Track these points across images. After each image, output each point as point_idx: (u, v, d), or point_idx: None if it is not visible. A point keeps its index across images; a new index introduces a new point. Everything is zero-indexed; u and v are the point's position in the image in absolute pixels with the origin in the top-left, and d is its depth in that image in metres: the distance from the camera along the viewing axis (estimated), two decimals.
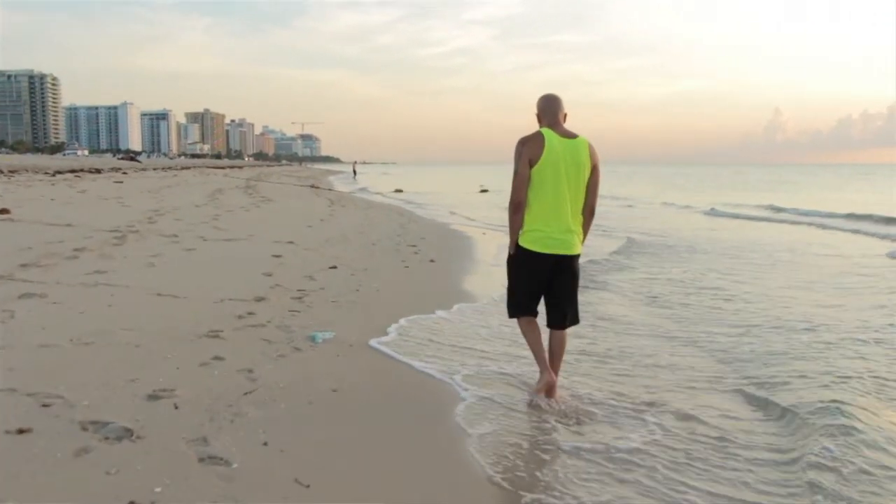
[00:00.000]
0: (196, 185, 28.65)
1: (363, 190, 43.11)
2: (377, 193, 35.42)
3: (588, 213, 4.55)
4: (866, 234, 17.65)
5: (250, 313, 6.26)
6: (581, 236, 4.56)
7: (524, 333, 4.68)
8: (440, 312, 6.98)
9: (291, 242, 11.23)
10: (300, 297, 7.13)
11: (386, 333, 5.97)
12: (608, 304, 7.93)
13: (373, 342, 5.64)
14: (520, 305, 4.66)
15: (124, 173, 36.80)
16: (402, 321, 6.46)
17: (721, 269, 10.90)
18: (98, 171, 36.98)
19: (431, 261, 10.53)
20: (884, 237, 16.61)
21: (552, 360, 4.60)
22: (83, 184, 23.30)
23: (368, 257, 10.45)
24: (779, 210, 26.14)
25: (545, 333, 4.69)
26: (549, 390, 4.47)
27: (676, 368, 5.45)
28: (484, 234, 15.77)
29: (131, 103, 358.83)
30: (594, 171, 4.49)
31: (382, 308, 6.99)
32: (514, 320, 4.77)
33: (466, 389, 4.68)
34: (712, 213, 25.42)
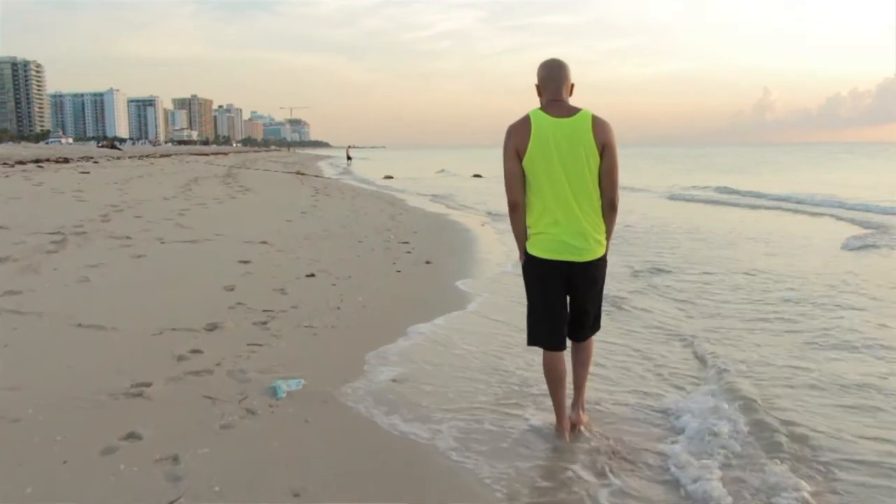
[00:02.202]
0: (172, 174, 26.92)
1: (345, 173, 41.75)
2: (365, 181, 33.78)
3: (608, 206, 3.65)
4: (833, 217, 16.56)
5: (195, 351, 4.79)
6: (602, 236, 3.67)
7: (545, 374, 3.80)
8: (439, 336, 5.54)
9: (265, 242, 9.73)
10: (265, 322, 5.66)
11: (372, 377, 4.53)
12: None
13: (352, 400, 4.17)
14: (538, 332, 3.78)
15: (95, 162, 34.81)
16: (394, 354, 5.05)
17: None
18: (66, 160, 34.96)
19: (427, 262, 9.05)
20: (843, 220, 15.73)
21: (576, 370, 3.92)
22: (42, 175, 21.53)
23: (353, 260, 8.96)
24: (732, 192, 25.31)
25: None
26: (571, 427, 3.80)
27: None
28: (483, 224, 14.30)
29: (117, 90, 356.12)
30: (606, 152, 3.56)
31: (368, 334, 5.54)
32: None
33: (488, 479, 3.25)
34: (672, 197, 23.96)
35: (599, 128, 3.53)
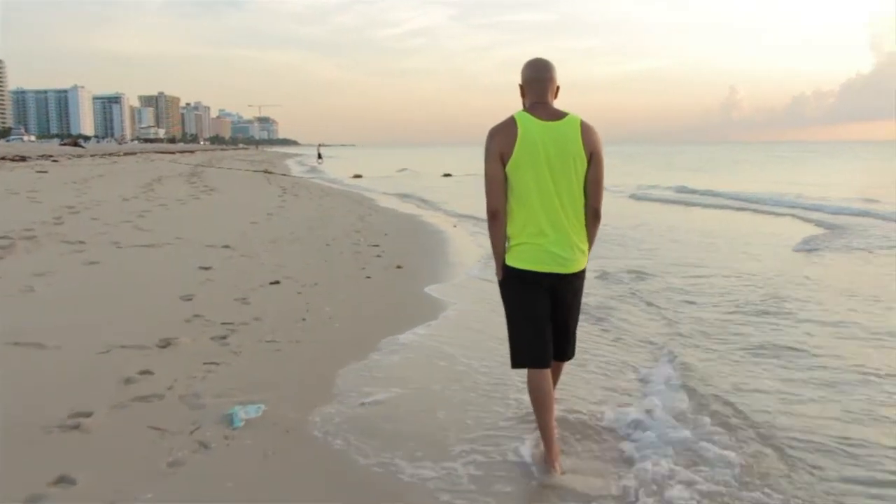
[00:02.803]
0: (134, 173, 26.19)
1: (313, 171, 41.13)
2: (333, 180, 33.23)
3: (591, 215, 3.46)
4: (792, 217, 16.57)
5: (145, 373, 4.36)
6: (585, 246, 3.47)
7: (530, 393, 3.47)
8: (415, 350, 5.15)
9: (228, 246, 9.27)
10: (224, 337, 5.23)
11: (342, 401, 4.13)
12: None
13: (319, 429, 3.77)
14: (522, 351, 3.48)
15: (55, 161, 33.76)
16: (366, 372, 4.67)
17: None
18: (23, 158, 33.87)
19: (398, 267, 8.66)
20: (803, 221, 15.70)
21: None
22: None
23: (321, 264, 8.55)
24: (690, 192, 25.23)
25: None
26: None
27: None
28: (455, 226, 13.92)
29: (82, 87, 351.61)
30: (594, 159, 3.38)
31: (337, 349, 5.14)
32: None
33: None
34: (634, 196, 23.83)
35: (588, 134, 3.35)
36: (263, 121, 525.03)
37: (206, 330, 5.40)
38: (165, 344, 4.96)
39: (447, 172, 40.77)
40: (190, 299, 6.31)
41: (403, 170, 46.40)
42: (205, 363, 4.62)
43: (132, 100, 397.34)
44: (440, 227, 13.55)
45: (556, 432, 3.49)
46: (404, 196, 22.32)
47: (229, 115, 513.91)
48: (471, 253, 10.20)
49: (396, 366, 4.86)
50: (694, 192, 24.99)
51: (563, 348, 3.65)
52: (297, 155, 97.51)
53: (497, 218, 3.41)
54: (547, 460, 3.39)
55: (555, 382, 3.73)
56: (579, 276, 3.48)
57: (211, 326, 5.50)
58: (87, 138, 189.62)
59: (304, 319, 5.91)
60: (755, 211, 18.08)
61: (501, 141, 3.33)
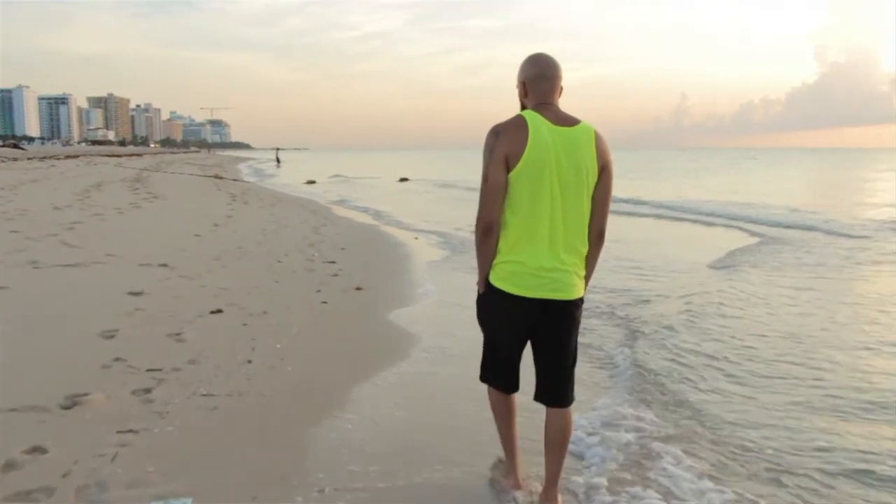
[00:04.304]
0: (73, 178, 24.64)
1: (266, 176, 39.79)
2: (286, 185, 32.03)
3: (596, 237, 3.05)
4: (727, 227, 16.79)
5: (36, 450, 3.36)
6: (583, 271, 3.04)
7: (492, 408, 3.32)
8: (389, 409, 4.24)
9: (165, 265, 8.23)
10: (149, 390, 4.25)
11: (300, 495, 3.18)
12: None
13: None
14: (490, 368, 3.23)
15: None
16: (329, 448, 3.72)
17: None
18: None
19: (358, 288, 7.73)
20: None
21: (549, 454, 3.12)
22: None
23: (271, 287, 7.57)
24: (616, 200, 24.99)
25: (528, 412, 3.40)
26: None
27: None
28: (416, 238, 13.00)
29: (27, 86, 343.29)
30: (604, 173, 3.00)
31: (290, 406, 4.21)
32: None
33: None
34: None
35: (602, 145, 2.97)
36: (216, 124, 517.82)
37: (126, 380, 4.41)
38: (71, 403, 3.95)
39: (404, 177, 40.03)
40: (112, 336, 5.30)
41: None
42: (119, 431, 3.64)
43: (80, 101, 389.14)
44: (400, 238, 12.64)
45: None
46: (361, 202, 21.36)
47: (181, 117, 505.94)
48: (437, 271, 9.34)
49: (365, 437, 3.87)
50: (626, 201, 24.62)
51: (556, 391, 3.09)
52: (249, 159, 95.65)
53: (491, 233, 2.95)
54: (508, 470, 3.29)
55: (563, 438, 3.12)
56: (575, 305, 3.01)
57: (133, 374, 4.51)
58: (31, 140, 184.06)
59: (249, 362, 4.95)
60: (673, 219, 18.29)
61: (509, 142, 2.86)
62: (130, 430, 3.67)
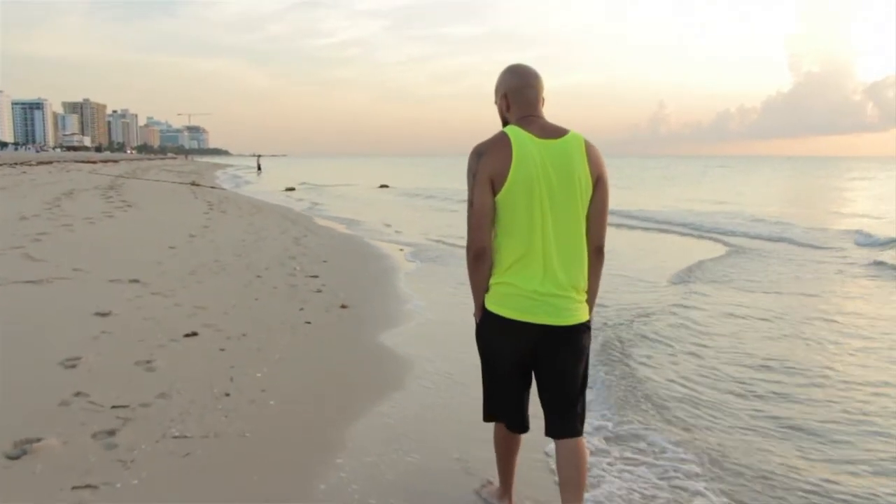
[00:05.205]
0: (43, 185, 23.86)
1: (245, 183, 39.18)
2: (265, 193, 31.43)
3: (594, 253, 2.86)
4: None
5: None
6: (584, 293, 2.83)
7: (494, 440, 3.16)
8: (386, 456, 3.76)
9: (136, 281, 7.69)
10: (112, 433, 3.75)
11: None
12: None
13: None
14: (494, 404, 3.01)
15: None
16: (317, 484, 3.24)
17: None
18: None
19: (343, 306, 7.25)
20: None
21: (565, 491, 2.82)
22: None
23: (250, 305, 7.06)
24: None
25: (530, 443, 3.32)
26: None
27: None
28: (401, 250, 12.51)
29: (1, 91, 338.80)
30: (599, 184, 2.82)
31: (274, 453, 3.72)
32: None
33: None
34: None
35: (594, 155, 2.82)
36: (193, 130, 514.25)
37: (87, 419, 3.89)
38: (20, 452, 3.43)
39: (384, 184, 39.72)
40: (73, 365, 4.77)
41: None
42: (75, 487, 3.14)
43: (56, 106, 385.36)
44: (384, 250, 12.16)
45: None
46: (343, 212, 20.89)
47: (158, 123, 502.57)
48: (418, 283, 8.88)
49: (365, 488, 3.43)
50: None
51: (563, 422, 2.89)
52: (228, 165, 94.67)
53: (483, 259, 2.80)
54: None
55: (578, 475, 2.86)
56: (580, 331, 2.81)
57: (96, 413, 4.00)
58: (4, 145, 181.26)
59: (227, 395, 4.46)
60: (645, 229, 18.07)
61: (492, 162, 2.72)
62: (88, 486, 3.17)
